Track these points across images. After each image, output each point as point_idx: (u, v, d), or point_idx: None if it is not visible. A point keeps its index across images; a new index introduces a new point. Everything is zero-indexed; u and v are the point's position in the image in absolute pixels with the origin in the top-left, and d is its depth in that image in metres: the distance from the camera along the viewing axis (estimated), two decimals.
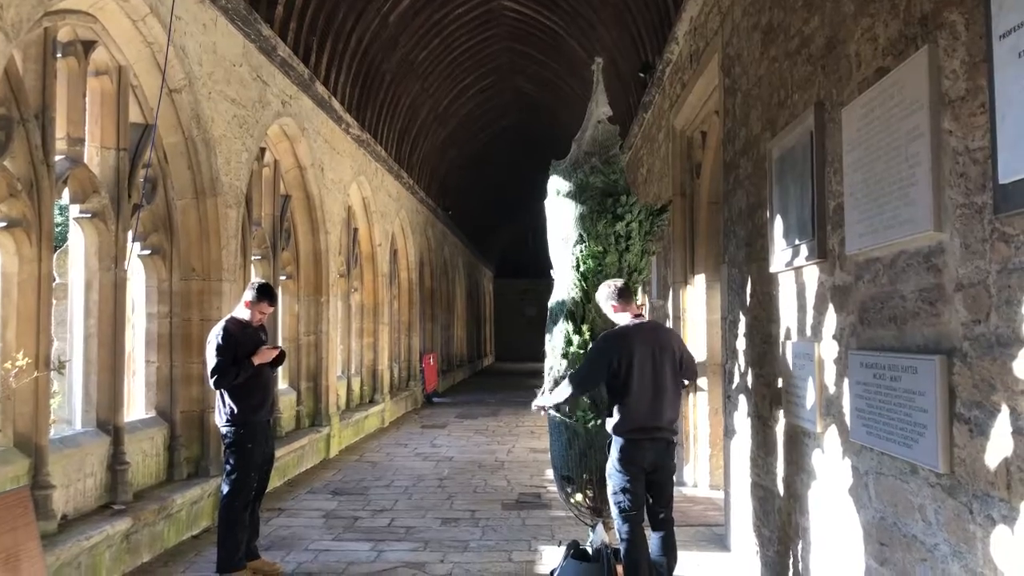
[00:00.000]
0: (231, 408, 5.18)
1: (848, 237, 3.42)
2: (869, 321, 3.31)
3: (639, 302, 5.25)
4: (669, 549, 4.49)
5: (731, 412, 5.74)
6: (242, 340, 5.26)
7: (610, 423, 4.43)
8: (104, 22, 5.68)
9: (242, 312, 5.39)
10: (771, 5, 4.68)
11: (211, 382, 5.18)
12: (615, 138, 5.62)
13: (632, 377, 4.35)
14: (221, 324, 5.33)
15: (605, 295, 4.65)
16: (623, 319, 4.57)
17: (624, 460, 4.34)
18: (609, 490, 4.45)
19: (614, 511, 4.42)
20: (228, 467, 5.19)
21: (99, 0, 5.46)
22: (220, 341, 5.16)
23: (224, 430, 5.24)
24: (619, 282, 4.66)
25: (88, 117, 5.70)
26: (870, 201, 3.18)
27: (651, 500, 4.47)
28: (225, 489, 5.18)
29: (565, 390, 4.58)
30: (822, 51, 3.84)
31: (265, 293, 5.41)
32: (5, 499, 3.60)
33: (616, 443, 4.40)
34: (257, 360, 5.23)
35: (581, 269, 5.04)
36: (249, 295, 5.39)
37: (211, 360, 5.14)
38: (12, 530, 3.55)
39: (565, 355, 4.98)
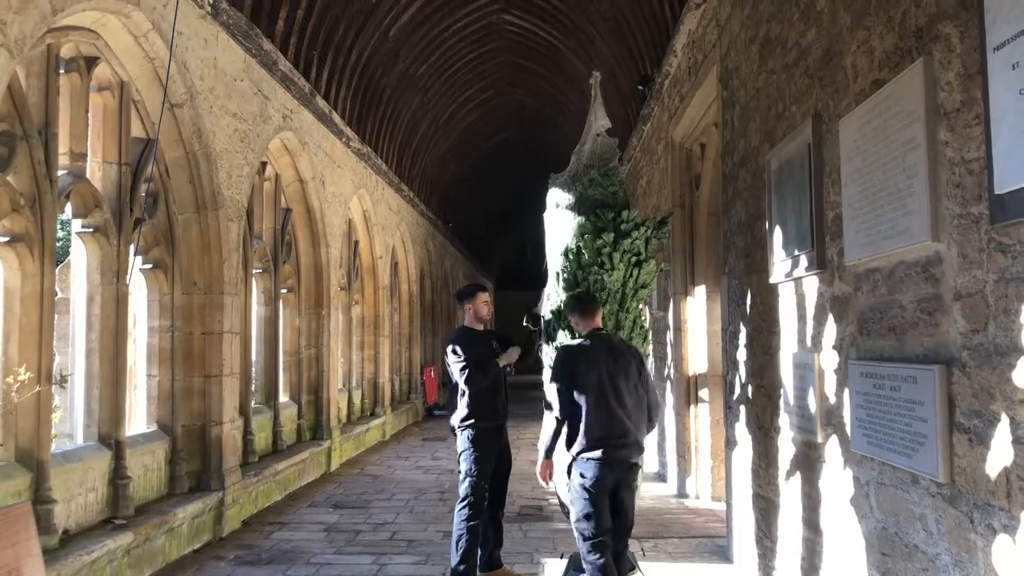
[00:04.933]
0: (465, 411, 5.28)
1: (847, 248, 3.44)
2: (868, 331, 3.32)
3: (641, 313, 5.27)
4: None
5: (732, 423, 5.74)
6: (472, 343, 5.37)
7: (572, 445, 4.39)
8: (106, 38, 5.72)
9: (468, 319, 5.56)
10: (768, 18, 4.71)
11: (467, 386, 5.26)
12: (614, 151, 5.65)
13: (590, 393, 4.31)
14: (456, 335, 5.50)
15: (569, 306, 4.75)
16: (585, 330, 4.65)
17: (589, 482, 4.29)
18: (572, 518, 4.36)
19: (579, 540, 4.31)
20: (465, 470, 5.27)
21: (101, 17, 5.50)
22: (455, 349, 5.32)
23: (460, 434, 5.33)
24: (581, 293, 4.75)
25: (90, 132, 5.74)
26: (868, 212, 3.20)
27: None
28: (463, 492, 5.22)
29: (554, 423, 4.55)
30: (819, 63, 3.87)
31: (464, 295, 5.62)
32: (6, 514, 3.60)
33: (578, 465, 4.36)
34: (503, 361, 5.38)
35: (580, 283, 5.05)
36: (462, 304, 5.59)
37: (460, 366, 5.24)
38: (13, 545, 3.54)
39: None
